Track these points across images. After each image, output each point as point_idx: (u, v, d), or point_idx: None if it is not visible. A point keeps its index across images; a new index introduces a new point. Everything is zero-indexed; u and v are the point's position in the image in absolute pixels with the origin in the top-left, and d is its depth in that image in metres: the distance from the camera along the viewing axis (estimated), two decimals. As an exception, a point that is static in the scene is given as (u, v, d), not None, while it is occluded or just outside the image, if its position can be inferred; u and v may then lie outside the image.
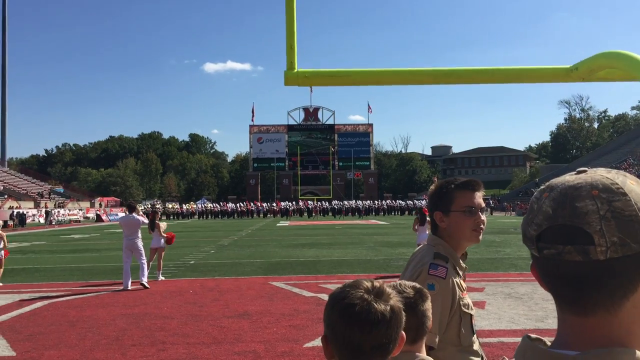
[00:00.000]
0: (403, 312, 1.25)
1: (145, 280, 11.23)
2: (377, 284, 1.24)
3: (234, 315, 8.26)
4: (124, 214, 13.66)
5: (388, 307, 1.20)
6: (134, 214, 11.89)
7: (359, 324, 1.18)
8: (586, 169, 0.85)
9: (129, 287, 11.03)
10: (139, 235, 11.77)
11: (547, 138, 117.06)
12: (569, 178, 0.83)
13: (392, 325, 1.20)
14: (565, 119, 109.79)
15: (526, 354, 0.83)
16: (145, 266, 11.52)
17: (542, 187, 0.87)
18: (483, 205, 2.20)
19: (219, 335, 7.05)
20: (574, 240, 0.77)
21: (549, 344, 0.84)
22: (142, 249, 11.65)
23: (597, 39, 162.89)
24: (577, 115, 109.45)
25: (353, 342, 1.18)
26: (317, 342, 6.62)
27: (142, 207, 13.13)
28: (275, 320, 7.90)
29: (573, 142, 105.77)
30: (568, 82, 3.14)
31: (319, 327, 7.35)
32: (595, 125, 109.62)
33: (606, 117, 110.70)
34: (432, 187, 2.31)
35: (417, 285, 1.77)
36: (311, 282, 11.51)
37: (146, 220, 12.12)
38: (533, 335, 0.86)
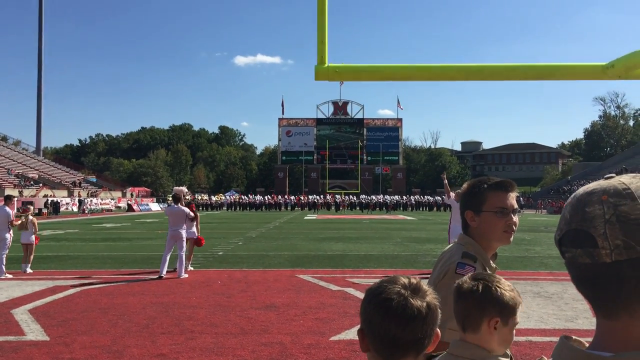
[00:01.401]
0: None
1: (183, 272, 11.36)
2: (414, 280, 1.27)
3: (261, 307, 8.34)
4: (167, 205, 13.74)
5: (424, 304, 1.23)
6: (179, 205, 11.91)
7: (395, 318, 1.20)
8: (614, 175, 0.88)
9: (163, 275, 11.19)
10: (184, 226, 11.83)
11: (581, 135, 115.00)
12: (592, 184, 0.87)
13: (428, 322, 1.22)
14: (600, 116, 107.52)
15: (562, 353, 0.85)
16: (184, 258, 11.57)
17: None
18: (516, 206, 2.18)
19: (246, 326, 7.13)
20: (582, 243, 0.82)
21: (586, 345, 0.85)
22: (185, 240, 11.76)
23: (635, 36, 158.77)
24: (612, 113, 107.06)
25: (389, 336, 1.21)
26: (344, 336, 6.65)
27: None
28: (302, 312, 7.96)
29: (607, 140, 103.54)
30: (604, 80, 3.09)
31: (345, 321, 7.38)
32: (631, 123, 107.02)
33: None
34: (465, 185, 2.29)
35: None
36: (338, 275, 11.54)
37: (191, 213, 12.11)
38: (573, 337, 0.88)
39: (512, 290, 1.63)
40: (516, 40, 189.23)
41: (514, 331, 1.66)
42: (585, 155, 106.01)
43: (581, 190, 0.88)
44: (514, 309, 1.61)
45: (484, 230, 2.16)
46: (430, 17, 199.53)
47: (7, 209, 12.10)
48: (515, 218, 2.17)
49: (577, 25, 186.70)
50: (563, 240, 0.85)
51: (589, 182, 0.93)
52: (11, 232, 12.10)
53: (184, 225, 11.83)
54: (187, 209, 11.91)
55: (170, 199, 13.39)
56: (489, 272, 2.12)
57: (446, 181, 12.17)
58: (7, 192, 48.69)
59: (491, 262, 2.20)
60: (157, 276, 11.22)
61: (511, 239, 2.17)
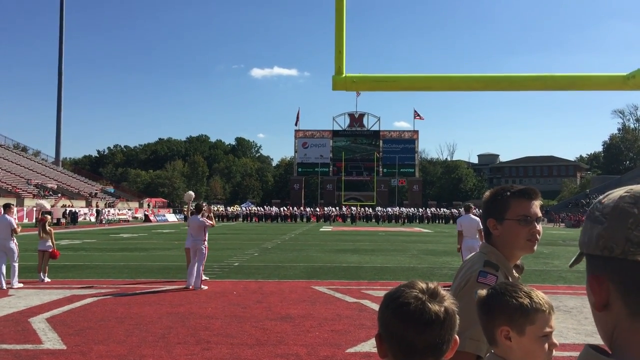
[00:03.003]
0: (457, 315, 1.25)
1: (200, 283, 11.41)
2: (432, 285, 1.25)
3: (276, 318, 8.32)
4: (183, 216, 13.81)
5: (442, 308, 1.21)
6: (199, 216, 12.02)
7: (412, 323, 1.19)
8: None
9: (191, 287, 11.25)
10: (205, 237, 11.92)
11: (599, 148, 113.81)
12: None
13: (446, 327, 1.21)
14: (619, 129, 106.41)
15: None
16: (202, 271, 11.65)
17: (625, 192, 0.87)
18: (539, 214, 2.14)
19: (261, 337, 7.11)
20: None
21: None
22: (205, 252, 11.84)
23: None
24: (632, 126, 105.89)
25: (406, 340, 1.19)
26: (360, 348, 6.61)
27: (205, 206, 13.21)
28: (318, 324, 7.92)
29: (626, 153, 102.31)
30: (624, 91, 3.06)
31: (361, 333, 7.33)
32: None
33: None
34: (487, 193, 2.26)
35: None
36: (353, 287, 11.48)
37: (211, 223, 12.24)
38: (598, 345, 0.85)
39: (531, 296, 1.55)
40: (533, 51, 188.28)
41: (549, 343, 1.57)
42: (603, 168, 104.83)
43: None
44: (526, 315, 1.52)
45: (506, 238, 2.12)
46: (446, 27, 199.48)
47: (8, 217, 11.79)
48: (539, 227, 2.13)
49: (595, 37, 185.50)
50: None
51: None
52: (15, 241, 11.81)
53: (205, 237, 11.93)
54: (206, 220, 12.02)
55: (186, 208, 13.51)
56: (511, 281, 2.09)
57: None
58: (27, 202, 49.33)
59: (514, 272, 2.17)
60: (180, 287, 11.35)
61: (535, 247, 2.14)
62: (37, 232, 12.50)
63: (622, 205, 0.84)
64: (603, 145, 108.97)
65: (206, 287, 11.35)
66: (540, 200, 2.17)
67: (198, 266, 11.51)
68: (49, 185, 60.60)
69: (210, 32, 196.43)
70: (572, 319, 8.36)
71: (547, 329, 1.56)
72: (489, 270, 2.06)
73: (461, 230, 12.01)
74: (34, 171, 65.34)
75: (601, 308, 0.85)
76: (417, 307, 1.19)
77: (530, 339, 1.54)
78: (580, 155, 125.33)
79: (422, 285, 1.24)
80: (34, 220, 42.79)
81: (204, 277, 12.24)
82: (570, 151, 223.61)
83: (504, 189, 2.18)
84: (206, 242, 12.18)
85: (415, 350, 1.20)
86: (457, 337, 1.25)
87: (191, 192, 13.58)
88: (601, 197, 0.92)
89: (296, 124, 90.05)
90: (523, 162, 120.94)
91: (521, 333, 1.52)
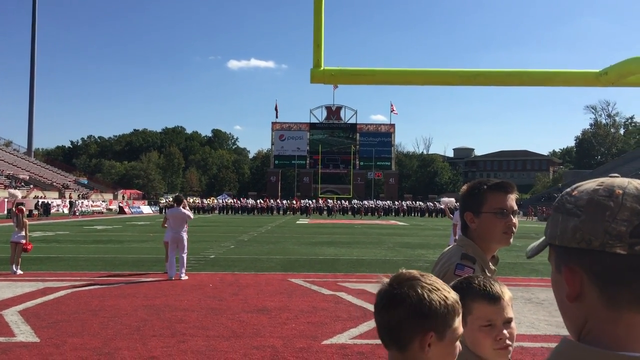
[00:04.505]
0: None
1: (184, 274, 11.46)
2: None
3: (252, 310, 8.32)
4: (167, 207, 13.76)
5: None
6: (180, 208, 12.06)
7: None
8: (617, 174, 0.88)
9: (173, 278, 11.27)
10: (185, 229, 11.99)
11: (572, 143, 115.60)
12: (625, 179, 0.87)
13: None
14: (591, 125, 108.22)
15: (575, 355, 0.83)
16: (185, 260, 11.77)
17: (598, 185, 0.88)
18: (515, 208, 2.19)
19: (237, 329, 7.12)
20: None
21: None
22: (187, 243, 11.94)
23: (627, 44, 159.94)
24: (603, 121, 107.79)
25: None
26: (336, 340, 6.65)
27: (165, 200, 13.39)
28: (294, 316, 7.95)
29: (598, 148, 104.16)
30: (597, 87, 3.12)
31: (337, 325, 7.38)
32: (622, 131, 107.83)
33: (633, 124, 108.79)
34: (465, 187, 2.30)
35: None
36: (330, 280, 11.53)
37: (192, 216, 12.38)
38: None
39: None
40: (509, 47, 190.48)
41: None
42: (576, 163, 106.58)
43: (624, 181, 0.86)
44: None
45: (483, 231, 2.16)
46: (424, 23, 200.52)
47: None
48: (515, 219, 2.18)
49: (570, 33, 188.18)
50: (636, 232, 0.82)
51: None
52: None
53: (185, 228, 11.97)
54: (188, 212, 12.06)
55: (165, 201, 13.46)
56: (487, 274, 2.14)
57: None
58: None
59: (490, 264, 2.21)
60: (155, 279, 11.33)
61: (511, 240, 2.19)
62: (9, 224, 12.29)
63: (597, 199, 0.86)
64: (575, 140, 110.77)
65: (187, 277, 11.45)
66: (516, 194, 2.21)
67: (181, 255, 11.62)
68: (21, 176, 59.48)
69: (187, 23, 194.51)
70: (544, 311, 8.53)
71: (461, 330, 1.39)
72: (466, 262, 2.10)
73: (456, 223, 12.04)
74: (5, 162, 64.03)
75: (573, 299, 0.87)
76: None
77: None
78: (554, 150, 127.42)
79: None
80: (5, 212, 42.01)
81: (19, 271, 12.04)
82: (543, 146, 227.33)
83: (480, 183, 2.21)
84: (186, 233, 12.19)
85: None
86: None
87: (12, 190, 13.28)
88: (569, 189, 0.93)
89: (276, 116, 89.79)
90: (497, 156, 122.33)
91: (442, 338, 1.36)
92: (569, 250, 0.87)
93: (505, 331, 1.66)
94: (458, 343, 1.37)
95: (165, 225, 12.51)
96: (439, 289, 1.35)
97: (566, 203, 0.90)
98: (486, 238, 2.17)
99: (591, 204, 0.86)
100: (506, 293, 1.69)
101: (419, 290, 1.32)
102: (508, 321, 1.68)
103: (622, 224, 0.82)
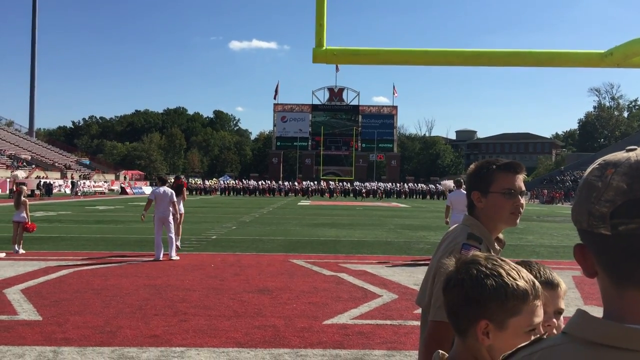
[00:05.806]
0: None
1: (174, 254, 11.46)
2: None
3: (254, 290, 8.36)
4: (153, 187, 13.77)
5: None
6: (165, 187, 12.10)
7: None
8: (636, 147, 0.86)
9: (161, 258, 11.29)
10: (170, 209, 11.97)
11: (575, 126, 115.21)
12: (629, 154, 0.84)
13: None
14: (595, 107, 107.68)
15: (590, 326, 0.84)
16: (174, 240, 11.78)
17: (597, 165, 0.87)
18: (523, 188, 2.17)
19: (239, 309, 7.16)
20: None
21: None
22: (172, 222, 11.92)
23: (632, 25, 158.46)
24: (607, 104, 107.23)
25: None
26: (336, 320, 6.69)
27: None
28: (295, 296, 7.99)
29: (601, 130, 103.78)
30: (602, 68, 3.09)
31: (338, 305, 7.42)
32: (625, 114, 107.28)
33: (637, 107, 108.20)
34: (472, 166, 2.26)
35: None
36: (331, 261, 11.57)
37: (174, 198, 12.28)
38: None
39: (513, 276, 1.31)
40: (512, 30, 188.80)
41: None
42: (579, 145, 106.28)
43: (621, 159, 0.84)
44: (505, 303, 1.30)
45: (490, 211, 2.14)
46: (427, 6, 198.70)
47: None
48: (523, 200, 2.16)
49: (575, 15, 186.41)
50: (618, 212, 0.81)
51: (583, 173, 0.92)
52: None
53: (170, 208, 11.96)
54: (170, 190, 12.06)
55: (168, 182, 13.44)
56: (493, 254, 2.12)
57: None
58: (0, 173, 48.45)
59: (496, 245, 2.20)
60: (152, 259, 11.28)
61: (518, 221, 2.17)
62: (12, 204, 12.32)
63: (590, 179, 0.86)
64: (579, 123, 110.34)
65: (178, 258, 11.42)
66: (524, 174, 2.19)
67: (169, 235, 11.61)
68: (23, 156, 59.56)
69: (188, 3, 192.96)
70: (544, 293, 8.56)
71: (536, 320, 1.28)
72: (472, 242, 2.07)
73: (450, 205, 11.94)
74: (7, 142, 64.06)
75: (591, 275, 0.88)
76: None
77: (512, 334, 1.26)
78: (556, 133, 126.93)
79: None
80: (7, 192, 42.10)
81: (21, 251, 12.08)
82: (546, 128, 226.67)
83: (489, 162, 2.19)
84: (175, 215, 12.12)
85: None
86: None
87: (16, 172, 13.21)
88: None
89: (275, 97, 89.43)
90: (500, 139, 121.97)
91: (502, 327, 1.25)
92: (578, 230, 0.89)
93: (554, 319, 1.68)
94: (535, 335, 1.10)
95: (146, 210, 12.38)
96: (500, 275, 1.25)
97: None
98: (493, 218, 2.15)
99: (584, 185, 0.87)
100: (562, 283, 1.70)
101: (475, 274, 1.25)
102: (559, 312, 1.69)
103: (604, 204, 0.82)
